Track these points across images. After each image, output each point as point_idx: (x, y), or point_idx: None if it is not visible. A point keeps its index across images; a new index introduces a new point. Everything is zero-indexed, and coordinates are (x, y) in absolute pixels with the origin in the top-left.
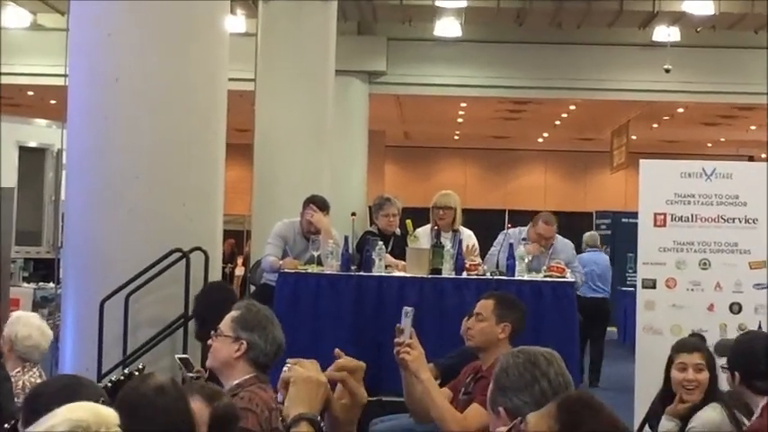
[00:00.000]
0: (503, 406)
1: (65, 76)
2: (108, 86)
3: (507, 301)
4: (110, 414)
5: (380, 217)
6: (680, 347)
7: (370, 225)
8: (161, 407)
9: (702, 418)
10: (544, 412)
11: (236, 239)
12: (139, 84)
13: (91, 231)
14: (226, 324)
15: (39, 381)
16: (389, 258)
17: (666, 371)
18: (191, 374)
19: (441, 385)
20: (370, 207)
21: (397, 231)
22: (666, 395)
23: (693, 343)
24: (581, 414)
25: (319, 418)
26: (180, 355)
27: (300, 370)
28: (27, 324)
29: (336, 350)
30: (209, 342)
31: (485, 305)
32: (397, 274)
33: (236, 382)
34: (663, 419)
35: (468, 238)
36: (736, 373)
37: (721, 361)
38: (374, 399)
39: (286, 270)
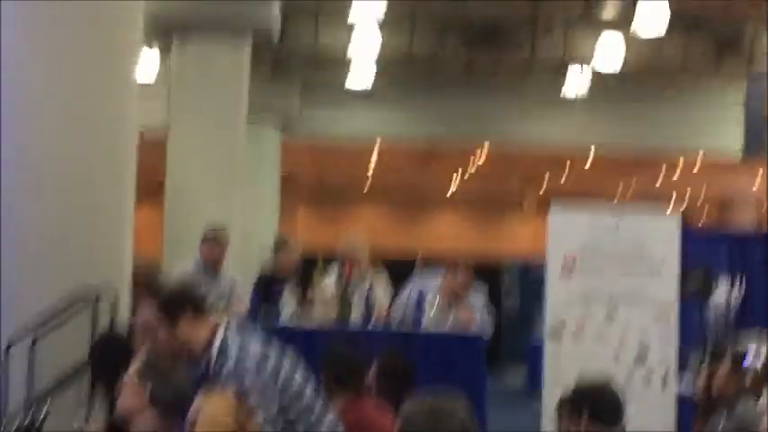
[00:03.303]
0: None
1: None
2: (13, 126)
3: None
4: None
5: (280, 258)
6: (558, 411)
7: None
8: None
9: None
10: None
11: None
12: (46, 124)
13: None
14: (132, 373)
15: None
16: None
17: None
18: None
19: None
20: None
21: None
22: None
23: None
24: None
25: None
26: (77, 426)
27: (207, 408)
28: None
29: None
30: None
31: None
32: (305, 325)
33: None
34: None
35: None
36: (585, 413)
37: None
38: None
39: None
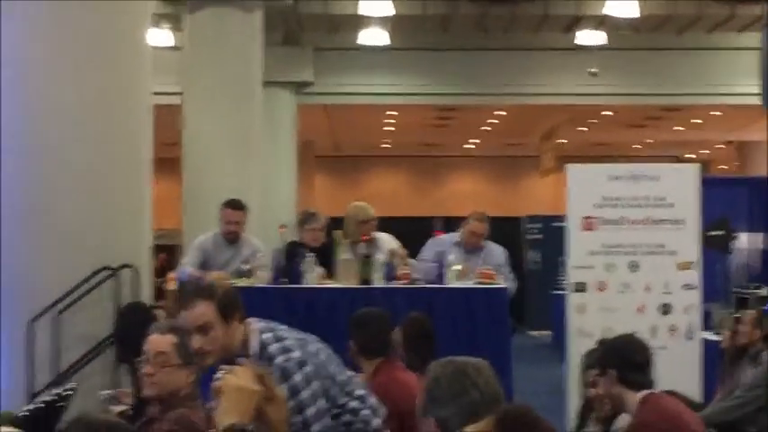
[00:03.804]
0: (432, 416)
1: None
2: (28, 105)
3: None
4: None
5: (306, 231)
6: (584, 364)
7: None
8: None
9: (624, 421)
10: (482, 426)
11: (169, 254)
12: (62, 101)
13: (18, 251)
14: (169, 351)
15: None
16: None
17: (583, 385)
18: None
19: None
20: None
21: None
22: (586, 409)
23: (588, 360)
24: (519, 430)
25: (251, 427)
26: (104, 392)
27: (232, 378)
28: None
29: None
30: (147, 371)
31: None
32: (327, 285)
33: (178, 402)
34: (589, 425)
35: (389, 242)
36: (612, 371)
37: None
38: None
39: None
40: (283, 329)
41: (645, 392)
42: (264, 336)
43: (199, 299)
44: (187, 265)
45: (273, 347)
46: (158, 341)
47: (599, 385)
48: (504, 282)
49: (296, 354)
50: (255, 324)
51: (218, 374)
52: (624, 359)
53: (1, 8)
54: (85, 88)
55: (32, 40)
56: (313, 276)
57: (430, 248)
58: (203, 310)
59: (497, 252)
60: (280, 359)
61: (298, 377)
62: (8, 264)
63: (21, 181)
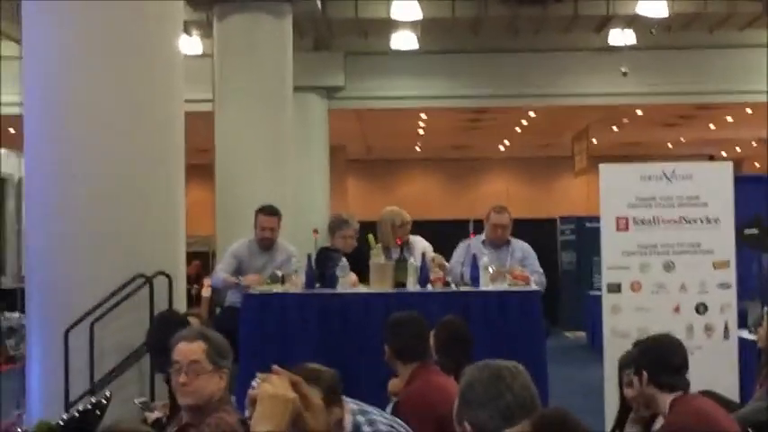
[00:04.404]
0: (468, 420)
1: (21, 104)
2: (63, 113)
3: None
4: None
5: (337, 238)
6: (620, 364)
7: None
8: None
9: (659, 424)
10: (517, 430)
11: (202, 261)
12: (94, 109)
13: (52, 260)
14: (201, 359)
15: None
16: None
17: (620, 385)
18: (152, 415)
19: None
20: None
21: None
22: (624, 409)
23: (624, 361)
24: None
25: None
26: (139, 399)
27: (267, 386)
28: None
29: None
30: (182, 380)
31: None
32: (362, 290)
33: (212, 410)
34: (627, 426)
35: (423, 246)
36: (644, 373)
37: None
38: None
39: (251, 291)
40: (375, 413)
41: (676, 394)
42: (358, 417)
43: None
44: (222, 272)
45: (366, 429)
46: (189, 349)
47: (634, 386)
48: (533, 276)
49: None
50: (349, 405)
51: (254, 383)
52: (656, 361)
53: (34, 16)
54: (119, 96)
55: (67, 49)
56: (347, 281)
57: (461, 251)
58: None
59: (524, 247)
60: None
61: None
62: (43, 273)
63: (54, 190)
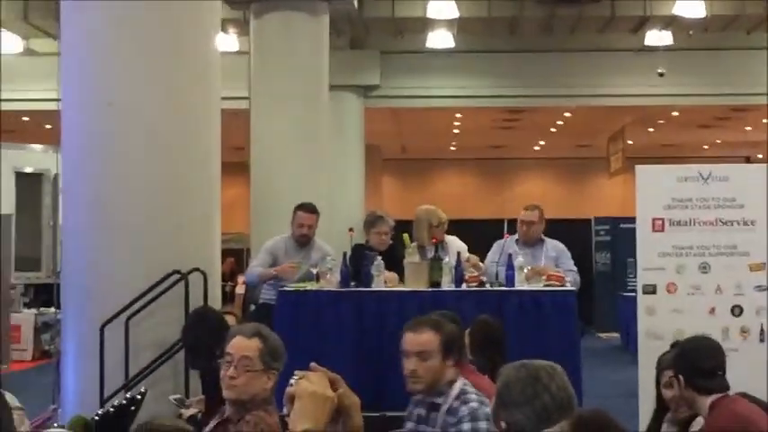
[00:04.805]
0: (504, 420)
1: (58, 100)
2: (100, 109)
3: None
4: None
5: (372, 234)
6: (659, 365)
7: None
8: None
9: (697, 425)
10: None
11: (237, 258)
12: (132, 106)
13: (88, 255)
14: (253, 356)
15: None
16: (387, 274)
17: (657, 386)
18: (188, 412)
19: None
20: None
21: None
22: (661, 410)
23: (661, 363)
24: None
25: None
26: (174, 396)
27: (306, 384)
28: None
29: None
30: (230, 374)
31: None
32: (397, 288)
33: (251, 409)
34: (664, 425)
35: (458, 246)
36: (681, 377)
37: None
38: (377, 414)
39: (286, 288)
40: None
41: (715, 396)
42: (467, 386)
43: (428, 327)
44: (256, 267)
45: (473, 395)
46: (244, 345)
47: (674, 387)
48: (567, 275)
49: (487, 409)
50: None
51: (292, 380)
52: (693, 365)
53: (72, 13)
54: (156, 93)
55: (105, 46)
56: (381, 279)
57: (496, 250)
58: (429, 339)
59: (558, 246)
60: (474, 404)
61: (482, 425)
62: (79, 269)
63: (91, 186)
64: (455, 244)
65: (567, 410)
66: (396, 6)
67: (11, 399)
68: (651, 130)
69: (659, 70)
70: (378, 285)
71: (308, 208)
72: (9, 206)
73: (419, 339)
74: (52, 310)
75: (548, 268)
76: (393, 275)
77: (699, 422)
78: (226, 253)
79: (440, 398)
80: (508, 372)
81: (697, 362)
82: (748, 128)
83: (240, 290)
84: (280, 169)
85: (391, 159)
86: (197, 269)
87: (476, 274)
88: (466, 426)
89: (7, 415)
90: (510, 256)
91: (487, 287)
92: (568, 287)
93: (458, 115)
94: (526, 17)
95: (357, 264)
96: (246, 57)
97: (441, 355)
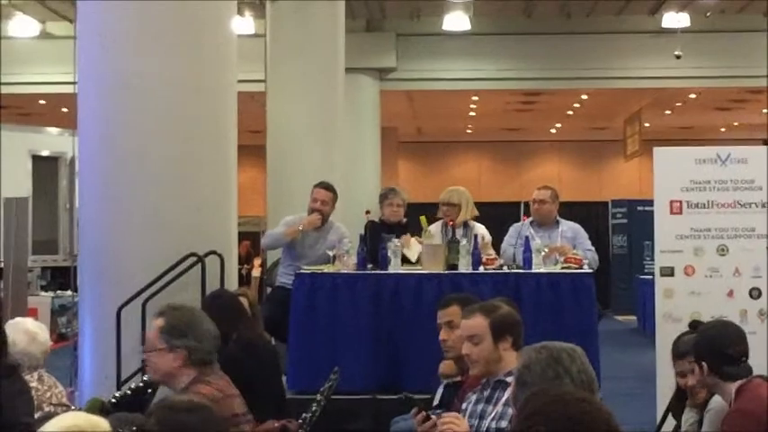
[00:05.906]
0: None
1: (74, 83)
2: (117, 92)
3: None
4: (100, 421)
5: (385, 206)
6: (673, 353)
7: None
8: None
9: (718, 401)
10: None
11: (253, 241)
12: (149, 89)
13: (105, 238)
14: (155, 337)
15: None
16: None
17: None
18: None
19: None
20: None
21: (403, 221)
22: (680, 395)
23: (680, 349)
24: None
25: None
26: None
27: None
28: (15, 330)
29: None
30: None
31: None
32: (414, 270)
33: (182, 386)
34: (686, 412)
35: (482, 232)
36: (704, 364)
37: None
38: (396, 396)
39: (302, 271)
40: None
41: (740, 382)
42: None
43: (478, 312)
44: (278, 227)
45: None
46: (152, 326)
47: (694, 374)
48: (585, 254)
49: None
50: None
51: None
52: (716, 352)
53: None
54: (173, 76)
55: (121, 29)
56: (398, 261)
57: (513, 233)
58: (478, 323)
59: (574, 226)
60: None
61: None
62: (96, 252)
63: (108, 169)
64: (479, 230)
65: (588, 392)
66: None
67: (48, 377)
68: (668, 112)
69: (676, 52)
70: (395, 267)
71: (324, 185)
72: (26, 189)
73: (469, 324)
74: (69, 293)
75: (566, 248)
76: (410, 238)
77: (715, 400)
78: (242, 236)
79: (508, 377)
80: (529, 353)
81: (723, 348)
82: (765, 110)
83: (256, 272)
84: (296, 152)
85: (407, 142)
86: (214, 252)
87: (493, 256)
88: None
89: (26, 398)
90: (527, 238)
91: (504, 270)
92: (586, 269)
93: (474, 98)
94: None
95: (374, 243)
96: (263, 39)
97: (491, 337)
